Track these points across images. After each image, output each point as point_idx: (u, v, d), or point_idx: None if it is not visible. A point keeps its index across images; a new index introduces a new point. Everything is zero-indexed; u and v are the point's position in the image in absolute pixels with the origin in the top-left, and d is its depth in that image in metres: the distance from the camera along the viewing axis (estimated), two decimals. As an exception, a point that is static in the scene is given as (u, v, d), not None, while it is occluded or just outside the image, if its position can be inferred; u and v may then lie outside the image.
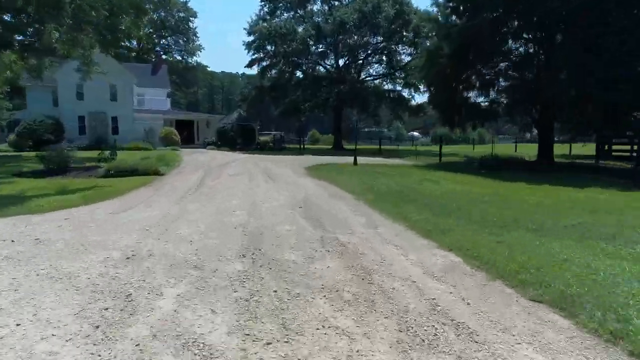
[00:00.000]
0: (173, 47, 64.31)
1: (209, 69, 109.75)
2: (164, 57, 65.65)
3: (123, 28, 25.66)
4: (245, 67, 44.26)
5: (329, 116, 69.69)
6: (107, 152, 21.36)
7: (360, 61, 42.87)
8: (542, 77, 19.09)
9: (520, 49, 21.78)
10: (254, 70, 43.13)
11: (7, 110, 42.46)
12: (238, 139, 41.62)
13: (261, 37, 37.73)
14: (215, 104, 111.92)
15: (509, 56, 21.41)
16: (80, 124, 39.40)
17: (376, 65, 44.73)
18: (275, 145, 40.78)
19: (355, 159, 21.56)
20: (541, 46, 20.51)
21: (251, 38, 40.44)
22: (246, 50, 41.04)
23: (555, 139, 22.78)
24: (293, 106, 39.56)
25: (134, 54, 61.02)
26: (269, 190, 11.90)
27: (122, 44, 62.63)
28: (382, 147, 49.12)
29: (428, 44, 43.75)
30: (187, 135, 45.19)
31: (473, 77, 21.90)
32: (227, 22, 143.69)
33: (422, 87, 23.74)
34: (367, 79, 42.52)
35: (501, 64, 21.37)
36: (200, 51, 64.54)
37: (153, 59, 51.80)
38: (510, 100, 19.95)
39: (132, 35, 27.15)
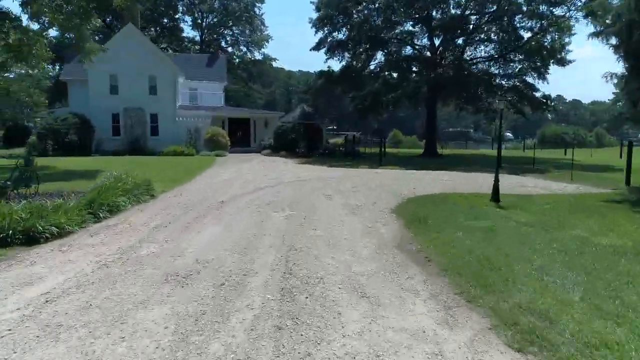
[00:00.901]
0: (239, 38, 56.25)
1: (286, 69, 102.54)
2: (229, 50, 57.89)
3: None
4: (311, 49, 33.14)
5: (416, 114, 57.97)
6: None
7: (462, 39, 30.98)
8: None
9: None
10: (323, 58, 33.00)
11: (44, 107, 36.22)
12: (300, 141, 31.71)
13: (331, 6, 27.40)
14: (292, 104, 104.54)
15: None
16: (114, 123, 31.71)
17: (482, 47, 32.49)
18: (347, 148, 30.27)
19: (495, 188, 10.29)
20: None
21: (320, 14, 30.29)
22: (313, 29, 30.91)
23: None
24: (372, 99, 28.86)
25: (197, 47, 53.66)
26: None
27: (184, 34, 55.89)
28: (476, 152, 37.14)
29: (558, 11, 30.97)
30: (242, 136, 36.14)
31: None
32: (305, 18, 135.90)
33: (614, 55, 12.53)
34: (474, 60, 30.44)
35: None
36: (268, 41, 55.97)
37: (218, 52, 43.55)
38: None
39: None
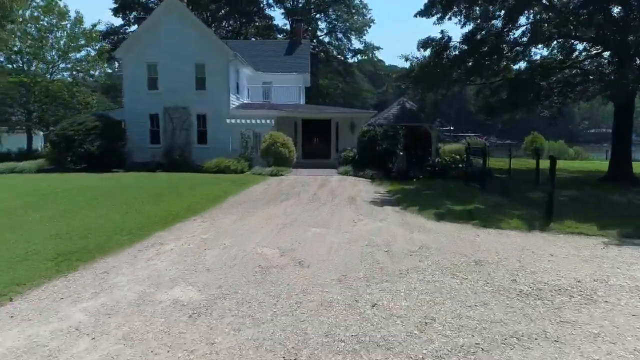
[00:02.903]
0: (337, 24, 46.54)
1: (399, 66, 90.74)
2: (326, 39, 48.61)
3: None
4: (416, 15, 20.64)
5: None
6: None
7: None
8: None
9: None
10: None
11: (90, 107, 30.28)
12: (397, 152, 20.72)
13: None
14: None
15: None
16: (153, 127, 24.06)
17: None
18: (469, 166, 18.32)
19: None
20: None
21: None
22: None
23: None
24: (515, 87, 16.73)
25: (282, 36, 45.25)
26: None
27: (271, 22, 47.80)
28: None
29: None
30: (320, 143, 26.32)
31: None
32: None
33: None
34: None
35: None
36: (369, 26, 45.46)
37: (300, 35, 34.48)
38: None
39: None
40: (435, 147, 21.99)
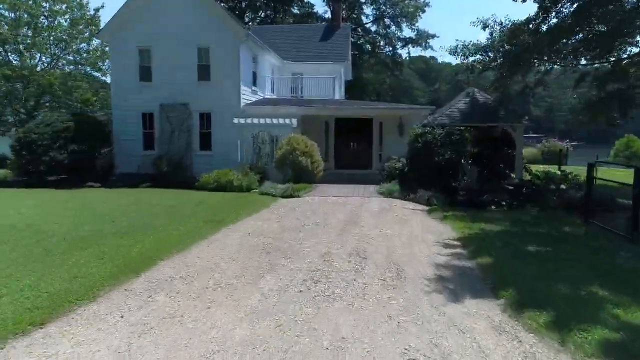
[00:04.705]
0: (385, 9, 39.90)
1: (453, 63, 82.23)
2: (373, 28, 42.14)
3: None
4: None
5: None
6: None
7: None
8: None
9: None
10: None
11: (92, 106, 25.68)
12: (462, 163, 14.11)
13: None
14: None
15: None
16: (147, 129, 18.87)
17: None
18: (588, 189, 11.40)
19: None
20: None
21: None
22: None
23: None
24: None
25: (324, 24, 39.18)
26: None
27: (311, 10, 41.83)
28: None
29: None
30: (357, 149, 20.14)
31: None
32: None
33: None
34: None
35: None
36: (423, 10, 38.48)
37: (338, 17, 28.51)
38: None
39: None
40: (520, 158, 15.08)
